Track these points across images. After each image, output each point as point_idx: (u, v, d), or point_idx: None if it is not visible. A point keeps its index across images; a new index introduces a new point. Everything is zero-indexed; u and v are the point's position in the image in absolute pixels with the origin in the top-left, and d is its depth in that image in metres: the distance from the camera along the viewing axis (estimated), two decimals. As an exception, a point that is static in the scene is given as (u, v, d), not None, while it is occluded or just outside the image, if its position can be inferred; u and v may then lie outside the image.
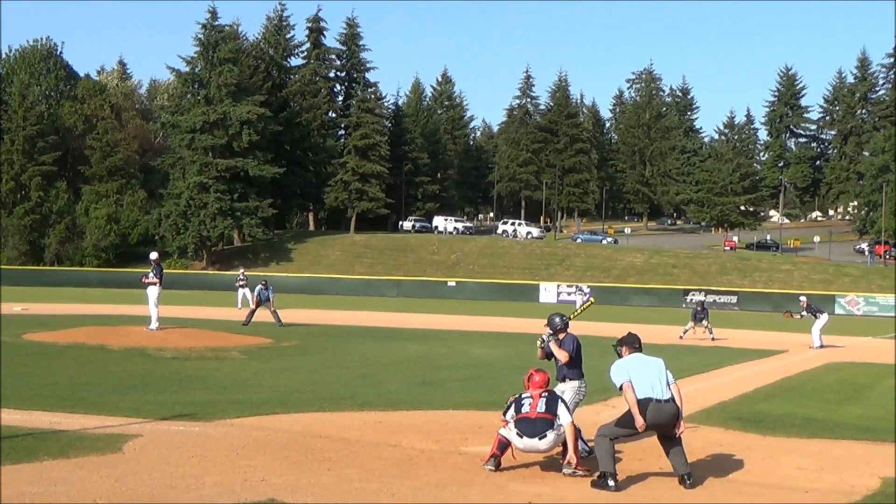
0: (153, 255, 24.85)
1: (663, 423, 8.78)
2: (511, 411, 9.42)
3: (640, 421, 8.67)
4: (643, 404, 8.70)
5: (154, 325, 23.19)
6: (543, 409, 9.24)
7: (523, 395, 9.50)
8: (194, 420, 11.53)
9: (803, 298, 30.28)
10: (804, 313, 28.53)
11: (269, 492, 7.91)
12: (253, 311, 30.51)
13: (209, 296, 51.61)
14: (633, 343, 9.30)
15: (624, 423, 8.84)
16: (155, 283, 23.49)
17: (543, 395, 9.41)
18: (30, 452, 9.09)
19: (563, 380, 10.39)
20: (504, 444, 9.24)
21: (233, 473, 8.63)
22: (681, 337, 29.46)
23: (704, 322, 29.99)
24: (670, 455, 8.93)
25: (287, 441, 10.35)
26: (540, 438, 9.09)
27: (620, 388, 8.91)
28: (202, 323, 26.40)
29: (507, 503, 8.04)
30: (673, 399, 8.84)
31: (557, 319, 10.52)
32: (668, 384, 8.88)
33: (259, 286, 31.69)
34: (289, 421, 11.78)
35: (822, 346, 27.31)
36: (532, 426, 9.12)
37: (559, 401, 9.41)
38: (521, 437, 9.12)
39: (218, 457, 9.38)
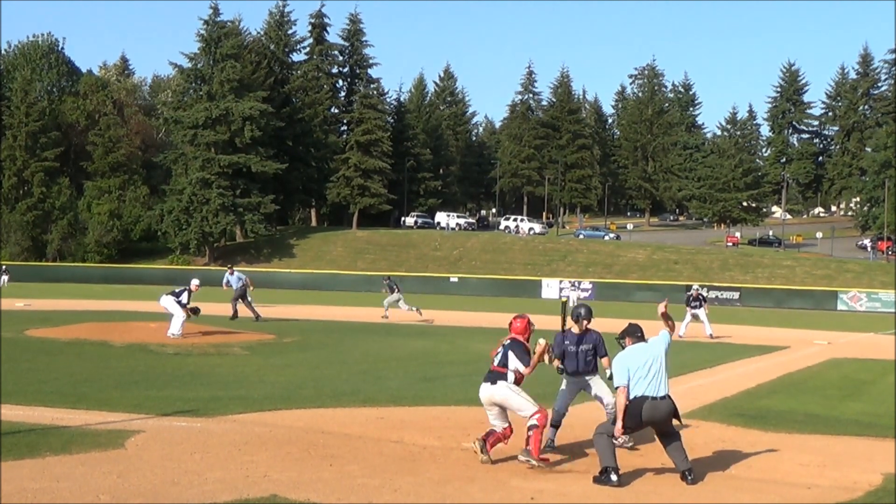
0: (195, 282, 24.34)
1: (659, 420, 8.79)
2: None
3: (619, 427, 8.71)
4: (638, 403, 8.69)
5: (177, 331, 22.52)
6: (497, 362, 9.56)
7: (505, 342, 9.75)
8: (196, 416, 11.54)
9: (696, 286, 30.91)
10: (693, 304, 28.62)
11: (271, 488, 7.91)
12: (235, 302, 30.55)
13: (211, 292, 51.57)
14: (635, 333, 9.26)
15: (626, 425, 8.85)
16: (185, 310, 22.78)
17: (504, 343, 9.66)
18: (32, 448, 9.10)
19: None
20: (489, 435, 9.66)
21: (235, 469, 8.63)
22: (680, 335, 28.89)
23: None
24: (670, 451, 8.92)
25: (289, 437, 10.35)
26: (492, 383, 9.44)
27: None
28: (204, 319, 26.36)
29: (508, 499, 8.04)
30: (669, 396, 8.84)
31: (583, 310, 10.67)
32: (666, 376, 8.87)
33: (226, 274, 31.83)
34: (291, 417, 11.79)
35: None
36: (490, 376, 9.54)
37: (514, 352, 9.49)
38: (484, 382, 9.55)
39: (220, 453, 9.39)
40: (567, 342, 10.62)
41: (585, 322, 10.61)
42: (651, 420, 8.75)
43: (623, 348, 9.28)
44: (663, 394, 8.77)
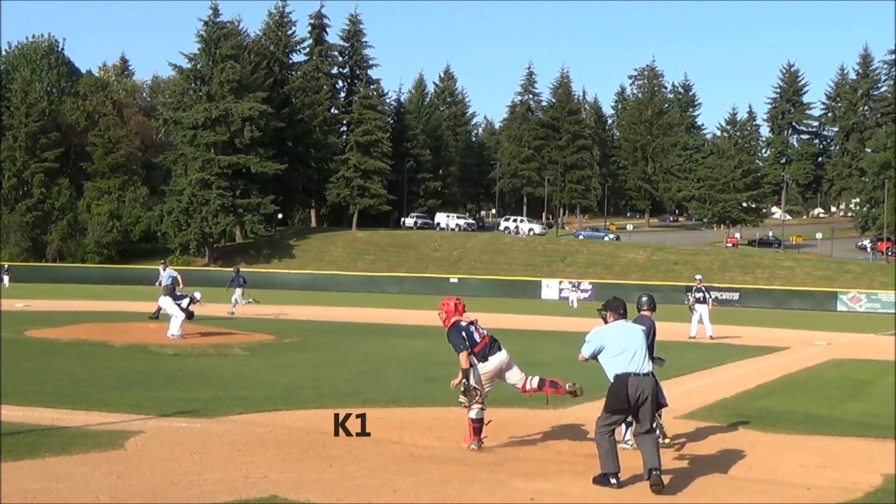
0: (197, 296, 24.26)
1: (644, 396, 8.43)
2: (466, 344, 9.91)
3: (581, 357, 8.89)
4: (623, 379, 8.48)
5: (176, 331, 22.57)
6: (485, 331, 10.15)
7: (463, 325, 10.04)
8: (196, 416, 11.53)
9: (699, 277, 30.37)
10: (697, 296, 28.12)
11: (270, 488, 7.90)
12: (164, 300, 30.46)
13: (211, 293, 51.58)
14: (617, 308, 9.02)
15: (610, 405, 8.60)
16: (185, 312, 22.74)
17: (472, 322, 10.20)
18: (32, 449, 9.10)
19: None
20: (479, 428, 9.88)
21: (235, 470, 8.63)
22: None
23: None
24: (640, 442, 8.49)
25: (289, 437, 10.35)
26: (500, 350, 10.04)
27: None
28: (204, 319, 26.39)
29: (508, 500, 8.02)
30: (652, 373, 8.62)
31: (644, 299, 11.25)
32: (649, 356, 8.66)
33: (159, 269, 31.84)
34: (291, 417, 11.78)
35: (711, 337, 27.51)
36: (491, 345, 10.00)
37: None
38: (487, 358, 9.89)
39: (220, 453, 9.38)
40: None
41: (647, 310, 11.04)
42: (637, 396, 8.41)
43: (605, 321, 9.06)
44: (646, 371, 8.53)
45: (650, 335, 10.39)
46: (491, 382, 10.06)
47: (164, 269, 31.72)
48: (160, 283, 31.13)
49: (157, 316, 29.06)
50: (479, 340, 9.99)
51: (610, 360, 8.65)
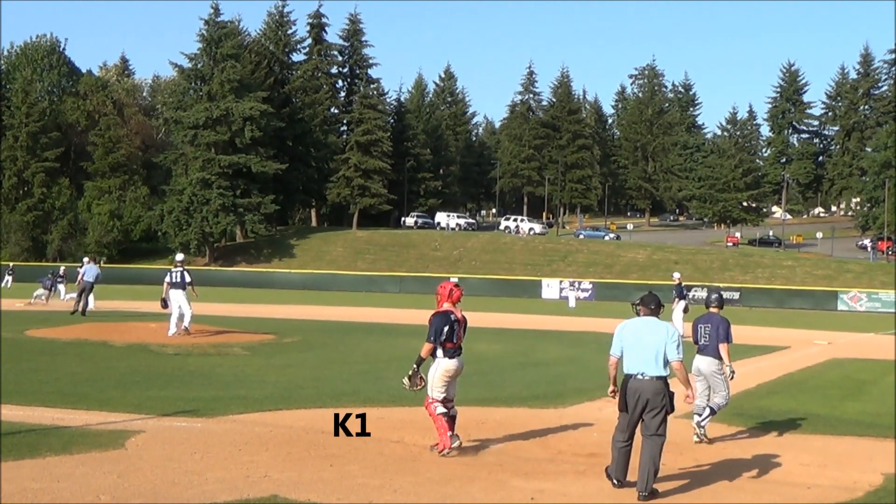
0: (179, 257, 24.14)
1: (642, 400, 8.24)
2: (443, 337, 9.86)
3: (610, 388, 8.66)
4: (623, 382, 8.40)
5: (183, 326, 22.42)
6: (455, 339, 10.00)
7: (452, 318, 9.96)
8: (197, 416, 11.53)
9: (677, 275, 29.25)
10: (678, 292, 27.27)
11: (271, 488, 7.91)
12: (87, 295, 29.39)
13: (211, 292, 51.64)
14: (649, 304, 8.72)
15: (618, 404, 8.52)
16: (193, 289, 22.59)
17: (459, 319, 10.12)
18: (32, 448, 9.10)
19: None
20: (453, 423, 9.85)
21: (235, 469, 8.63)
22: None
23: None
24: (642, 445, 8.29)
25: (290, 437, 10.35)
26: (461, 355, 10.07)
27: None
28: (204, 319, 26.36)
29: (509, 499, 8.03)
30: (660, 377, 8.28)
31: (714, 296, 11.79)
32: (664, 361, 8.33)
33: (91, 265, 30.82)
34: (291, 417, 11.79)
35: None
36: (460, 348, 10.03)
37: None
38: (454, 357, 9.91)
39: (220, 453, 9.39)
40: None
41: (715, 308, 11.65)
42: (635, 401, 8.25)
43: (637, 315, 8.83)
44: (651, 374, 8.26)
45: (716, 332, 11.41)
46: (451, 381, 9.98)
47: (88, 264, 30.51)
48: (82, 278, 29.70)
49: (84, 312, 28.52)
50: (455, 341, 9.94)
51: (624, 356, 8.53)
